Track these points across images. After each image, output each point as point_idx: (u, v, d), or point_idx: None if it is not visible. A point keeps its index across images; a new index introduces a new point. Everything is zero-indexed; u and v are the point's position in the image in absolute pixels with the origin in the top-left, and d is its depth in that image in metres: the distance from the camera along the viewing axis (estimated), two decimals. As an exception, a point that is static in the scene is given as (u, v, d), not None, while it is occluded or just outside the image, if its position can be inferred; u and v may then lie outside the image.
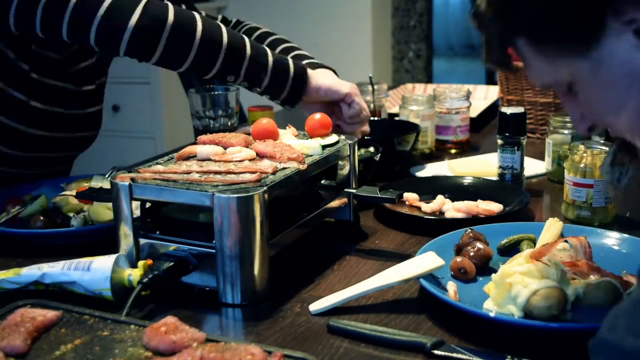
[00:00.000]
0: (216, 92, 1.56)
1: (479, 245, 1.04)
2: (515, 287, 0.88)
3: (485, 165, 1.58)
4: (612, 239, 1.10)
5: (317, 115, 1.22)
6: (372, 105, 1.95)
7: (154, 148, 3.83)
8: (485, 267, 1.02)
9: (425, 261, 0.98)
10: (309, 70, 1.33)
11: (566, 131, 1.48)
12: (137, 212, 1.03)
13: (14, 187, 1.38)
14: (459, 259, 1.02)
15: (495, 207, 1.29)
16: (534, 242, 1.09)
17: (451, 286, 0.96)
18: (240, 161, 1.05)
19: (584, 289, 0.92)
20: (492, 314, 0.89)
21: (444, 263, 0.98)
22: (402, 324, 0.91)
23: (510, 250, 1.08)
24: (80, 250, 1.08)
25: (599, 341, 0.61)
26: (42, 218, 1.22)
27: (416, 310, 0.95)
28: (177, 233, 1.01)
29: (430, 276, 0.98)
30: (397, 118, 1.86)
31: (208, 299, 0.98)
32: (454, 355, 0.82)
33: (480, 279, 1.01)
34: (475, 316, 0.89)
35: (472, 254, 1.03)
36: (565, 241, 0.96)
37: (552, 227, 1.09)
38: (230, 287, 0.96)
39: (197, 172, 1.02)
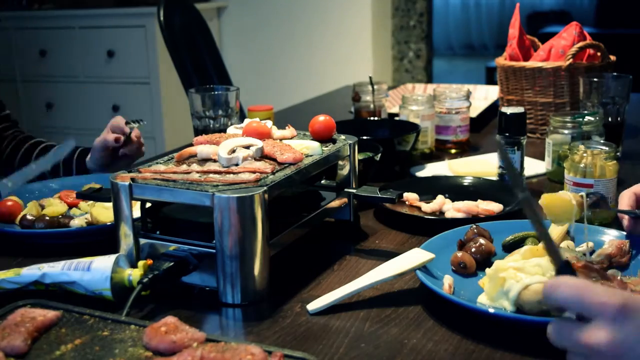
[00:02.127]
0: (216, 92, 1.55)
1: (482, 240, 1.05)
2: (508, 282, 0.89)
3: (485, 165, 1.58)
4: (611, 237, 1.10)
5: (321, 117, 1.21)
6: (372, 105, 1.95)
7: (154, 148, 3.84)
8: (487, 263, 1.03)
9: (417, 256, 1.00)
10: None
11: (566, 131, 1.48)
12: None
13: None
14: (459, 253, 1.03)
15: (495, 207, 1.29)
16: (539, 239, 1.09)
17: (447, 279, 0.97)
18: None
19: None
20: (477, 305, 0.90)
21: (434, 256, 1.00)
22: (401, 317, 0.92)
23: (515, 247, 1.08)
24: (80, 250, 1.08)
25: None
26: (44, 218, 1.22)
27: (415, 303, 0.96)
28: (177, 233, 1.01)
29: (429, 270, 0.99)
30: (397, 118, 1.86)
31: (208, 299, 0.98)
32: None
33: (481, 274, 1.01)
34: (466, 308, 0.90)
35: (473, 249, 1.04)
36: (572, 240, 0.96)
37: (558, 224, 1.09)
38: (230, 287, 0.96)
39: (197, 172, 1.02)
